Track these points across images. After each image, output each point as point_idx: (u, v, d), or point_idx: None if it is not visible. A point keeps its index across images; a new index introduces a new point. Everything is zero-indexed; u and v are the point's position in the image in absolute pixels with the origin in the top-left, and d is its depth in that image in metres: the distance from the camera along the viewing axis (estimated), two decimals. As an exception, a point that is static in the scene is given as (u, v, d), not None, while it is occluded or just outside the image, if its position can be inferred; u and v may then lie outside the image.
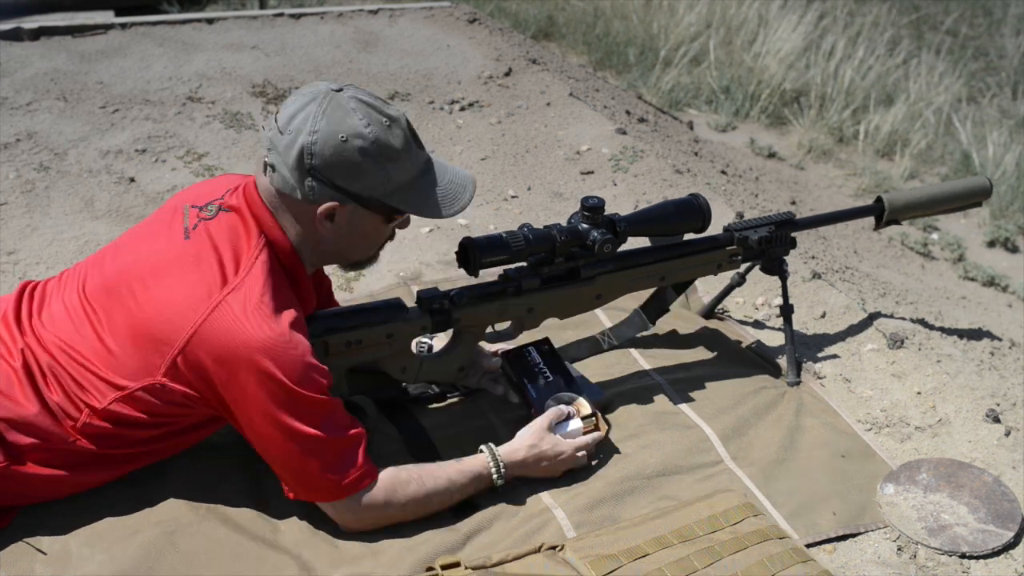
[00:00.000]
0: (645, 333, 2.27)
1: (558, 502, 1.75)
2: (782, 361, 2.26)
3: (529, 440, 1.77)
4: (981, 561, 1.75)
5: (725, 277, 2.34)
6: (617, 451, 1.88)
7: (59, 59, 3.87)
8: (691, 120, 4.81)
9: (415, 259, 2.69)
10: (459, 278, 2.51)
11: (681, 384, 2.12)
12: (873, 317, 2.49)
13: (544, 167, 3.33)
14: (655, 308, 2.22)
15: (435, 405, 2.01)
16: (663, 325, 2.32)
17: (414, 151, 1.59)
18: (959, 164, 4.77)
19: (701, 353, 2.28)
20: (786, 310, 2.23)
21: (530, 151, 3.43)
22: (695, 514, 1.71)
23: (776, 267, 2.22)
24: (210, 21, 4.43)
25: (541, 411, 1.86)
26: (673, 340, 2.32)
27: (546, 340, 2.07)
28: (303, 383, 1.51)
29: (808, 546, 1.73)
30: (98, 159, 3.13)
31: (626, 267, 2.02)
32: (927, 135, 4.95)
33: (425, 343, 2.00)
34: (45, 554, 1.55)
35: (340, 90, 1.54)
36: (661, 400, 2.06)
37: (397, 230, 1.70)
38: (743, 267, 2.31)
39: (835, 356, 2.34)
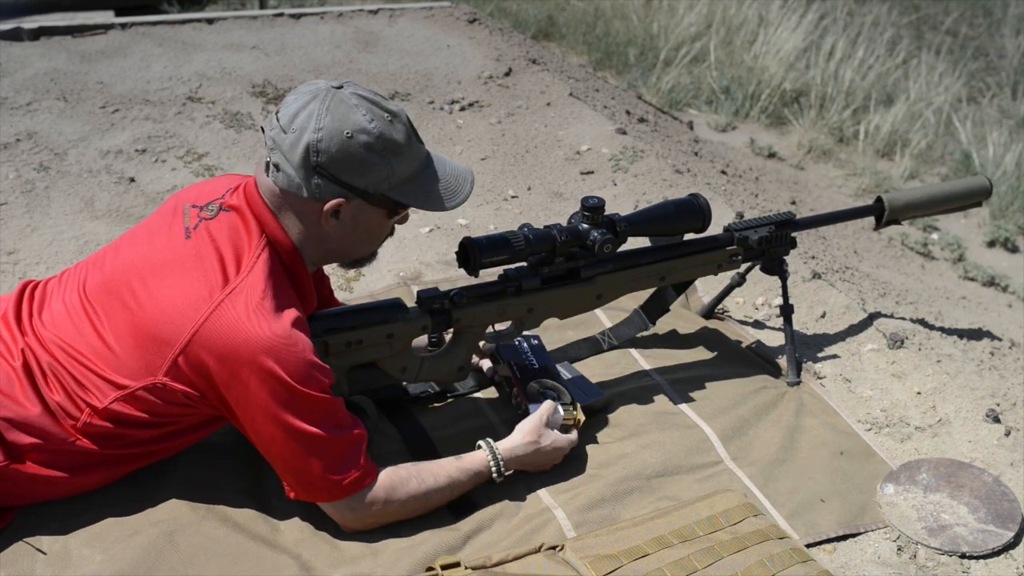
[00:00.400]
0: (645, 333, 2.27)
1: (558, 502, 1.75)
2: (782, 361, 2.26)
3: (529, 436, 1.78)
4: (981, 561, 1.75)
5: (725, 277, 2.34)
6: (617, 451, 1.89)
7: (59, 59, 3.88)
8: (691, 120, 4.81)
9: (415, 259, 2.69)
10: (459, 278, 2.51)
11: (681, 384, 2.12)
12: (873, 317, 2.49)
13: (544, 167, 3.33)
14: (655, 308, 2.22)
15: (435, 405, 2.01)
16: (663, 325, 2.32)
17: (415, 145, 1.61)
18: (959, 164, 4.77)
19: (701, 353, 2.28)
20: (786, 310, 2.23)
21: (530, 151, 3.43)
22: (695, 514, 1.71)
23: (776, 267, 2.23)
24: (210, 21, 4.43)
25: (525, 390, 1.89)
26: (673, 340, 2.32)
27: (536, 337, 2.08)
28: (306, 382, 1.51)
29: (808, 546, 1.73)
30: (98, 159, 3.13)
31: (626, 267, 2.02)
32: (927, 135, 4.95)
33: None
34: (45, 554, 1.55)
35: (340, 87, 1.55)
36: (661, 400, 2.06)
37: (396, 226, 1.71)
38: (743, 267, 2.31)
39: (835, 356, 2.34)
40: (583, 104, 3.81)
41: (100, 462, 1.60)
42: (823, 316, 2.51)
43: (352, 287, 2.56)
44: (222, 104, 3.60)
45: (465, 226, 2.90)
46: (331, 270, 2.53)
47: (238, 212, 1.58)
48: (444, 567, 1.54)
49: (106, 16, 4.95)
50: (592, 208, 1.87)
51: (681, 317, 2.41)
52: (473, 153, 3.39)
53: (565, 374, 2.05)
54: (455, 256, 1.81)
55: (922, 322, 2.56)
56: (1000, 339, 2.59)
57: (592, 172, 3.29)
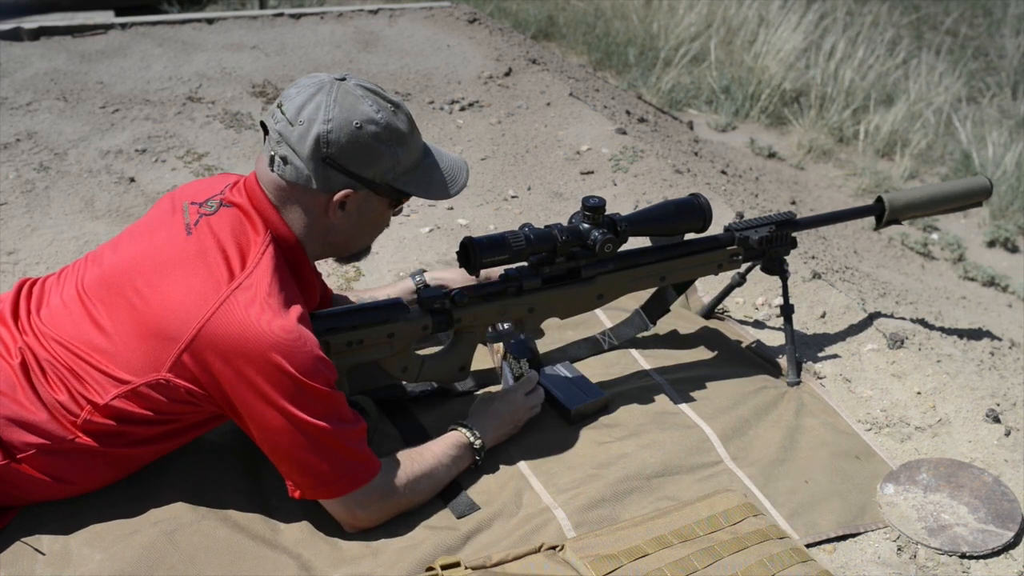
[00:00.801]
0: (646, 333, 2.27)
1: (558, 502, 1.75)
2: (782, 361, 2.26)
3: (486, 403, 1.87)
4: (981, 561, 1.75)
5: (725, 277, 2.34)
6: (617, 450, 1.89)
7: (59, 59, 3.88)
8: (691, 120, 4.81)
9: (415, 259, 2.69)
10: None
11: (681, 384, 2.12)
12: (873, 317, 2.49)
13: (544, 167, 3.33)
14: (656, 308, 2.22)
15: (435, 404, 2.01)
16: (663, 325, 2.32)
17: (417, 135, 1.64)
18: (959, 164, 4.77)
19: (701, 353, 2.28)
20: (786, 310, 2.23)
21: (530, 151, 3.43)
22: (695, 514, 1.71)
23: (776, 267, 2.23)
24: (210, 21, 4.43)
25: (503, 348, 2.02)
26: (673, 340, 2.32)
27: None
28: (313, 376, 1.51)
29: (808, 546, 1.73)
30: (98, 159, 3.13)
31: (627, 267, 2.02)
32: (927, 135, 4.95)
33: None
34: (45, 554, 1.55)
35: (343, 79, 1.57)
36: (661, 400, 2.06)
37: (392, 218, 1.73)
38: (743, 267, 2.31)
39: (835, 356, 2.34)
40: (583, 104, 3.81)
41: (101, 461, 1.60)
42: (823, 316, 2.51)
43: (352, 287, 2.56)
44: (222, 104, 3.60)
45: (465, 226, 2.90)
46: (331, 270, 2.53)
47: (240, 208, 1.59)
48: (444, 567, 1.54)
49: (106, 16, 4.96)
50: (593, 208, 1.87)
51: (681, 317, 2.41)
52: (473, 153, 3.39)
53: (565, 374, 2.05)
54: (455, 256, 1.82)
55: (922, 322, 2.56)
56: (1000, 339, 2.59)
57: (592, 172, 3.29)
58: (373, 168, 1.57)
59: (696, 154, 3.81)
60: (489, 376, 2.09)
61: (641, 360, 2.22)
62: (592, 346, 2.24)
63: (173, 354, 1.50)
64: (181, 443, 1.69)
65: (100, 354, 1.54)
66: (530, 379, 1.94)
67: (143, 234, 1.63)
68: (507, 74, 4.05)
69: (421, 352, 1.89)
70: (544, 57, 4.41)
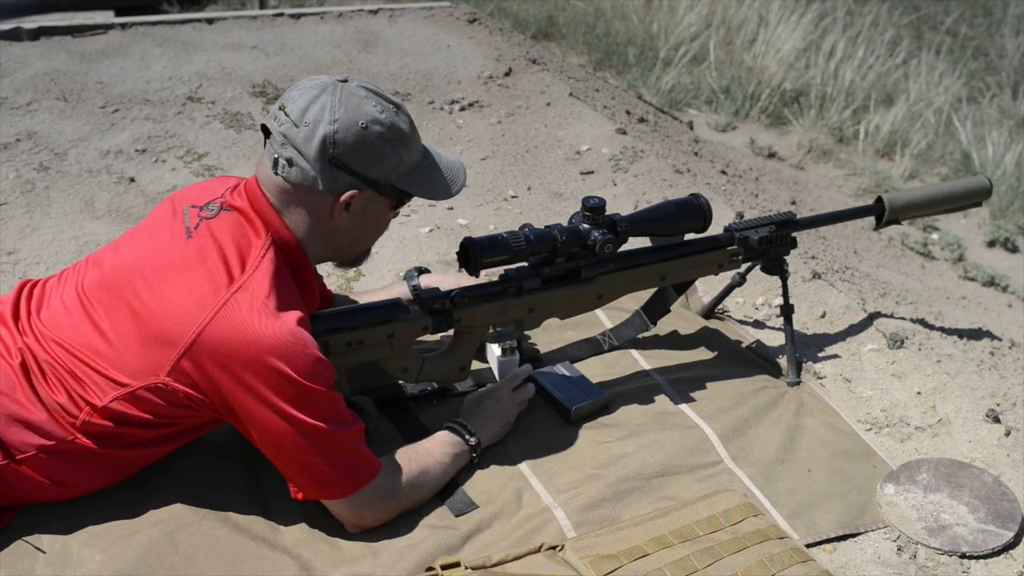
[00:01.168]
0: (646, 333, 2.27)
1: (558, 502, 1.75)
2: (782, 361, 2.26)
3: (475, 401, 1.89)
4: (981, 561, 1.75)
5: (725, 277, 2.34)
6: (617, 450, 1.89)
7: (59, 59, 3.88)
8: (691, 120, 4.81)
9: (415, 259, 2.69)
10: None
11: (681, 384, 2.12)
12: (873, 317, 2.49)
13: (544, 167, 3.33)
14: (656, 308, 2.22)
15: (435, 404, 2.01)
16: (663, 325, 2.32)
17: (417, 135, 1.65)
18: (959, 164, 4.77)
19: (701, 353, 2.28)
20: (786, 310, 2.23)
21: (530, 151, 3.43)
22: (695, 514, 1.71)
23: (776, 267, 2.23)
24: (210, 21, 4.43)
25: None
26: (673, 340, 2.32)
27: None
28: (313, 378, 1.51)
29: (808, 546, 1.73)
30: (98, 159, 3.13)
31: (627, 267, 2.02)
32: (927, 135, 4.95)
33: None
34: (45, 554, 1.55)
35: (345, 80, 1.57)
36: (661, 400, 2.06)
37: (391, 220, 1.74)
38: (743, 267, 2.31)
39: (835, 356, 2.34)
40: (583, 104, 3.81)
41: (99, 464, 1.60)
42: (823, 316, 2.51)
43: (352, 287, 2.56)
44: (222, 104, 3.60)
45: (465, 226, 2.90)
46: (331, 270, 2.53)
47: (240, 211, 1.59)
48: (444, 567, 1.54)
49: (106, 16, 4.96)
50: (593, 208, 1.87)
51: (681, 317, 2.41)
52: (473, 153, 3.39)
53: (565, 373, 2.05)
54: (455, 256, 1.82)
55: (922, 322, 2.56)
56: (1000, 339, 2.59)
57: (592, 172, 3.29)
58: (378, 168, 1.57)
59: (696, 154, 3.81)
60: (489, 376, 2.09)
61: (641, 360, 2.22)
62: (592, 346, 2.24)
63: (172, 359, 1.50)
64: (179, 446, 1.69)
65: (99, 356, 1.53)
66: (518, 375, 1.95)
67: (143, 237, 1.63)
68: (507, 74, 4.05)
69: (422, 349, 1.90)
70: (544, 57, 4.41)
